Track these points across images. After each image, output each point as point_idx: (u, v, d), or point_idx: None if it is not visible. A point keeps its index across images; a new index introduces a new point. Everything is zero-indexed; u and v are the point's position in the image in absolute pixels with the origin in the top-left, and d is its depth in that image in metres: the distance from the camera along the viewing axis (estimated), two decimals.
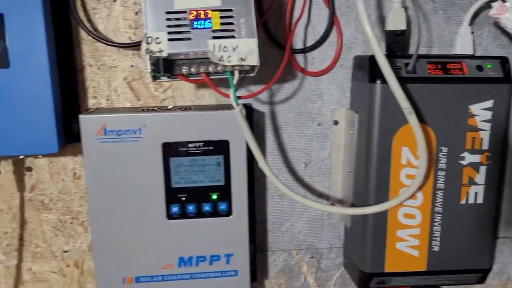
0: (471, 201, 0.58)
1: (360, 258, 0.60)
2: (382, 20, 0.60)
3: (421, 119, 0.54)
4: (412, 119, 0.50)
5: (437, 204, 0.57)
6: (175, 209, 0.56)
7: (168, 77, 0.48)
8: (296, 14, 0.59)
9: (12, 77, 0.50)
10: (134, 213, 0.55)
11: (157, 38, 0.45)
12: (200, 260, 0.57)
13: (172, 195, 0.55)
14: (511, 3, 0.56)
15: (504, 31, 0.61)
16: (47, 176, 0.60)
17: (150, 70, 0.47)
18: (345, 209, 0.56)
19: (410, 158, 0.56)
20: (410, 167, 0.56)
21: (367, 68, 0.56)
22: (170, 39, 0.46)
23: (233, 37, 0.46)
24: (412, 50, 0.61)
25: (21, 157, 0.55)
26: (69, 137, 0.58)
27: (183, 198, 0.56)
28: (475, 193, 0.58)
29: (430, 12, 0.61)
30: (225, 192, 0.56)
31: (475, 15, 0.61)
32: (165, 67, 0.46)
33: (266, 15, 0.57)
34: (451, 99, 0.55)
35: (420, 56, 0.56)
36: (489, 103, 0.56)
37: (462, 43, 0.60)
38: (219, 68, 0.48)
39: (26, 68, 0.50)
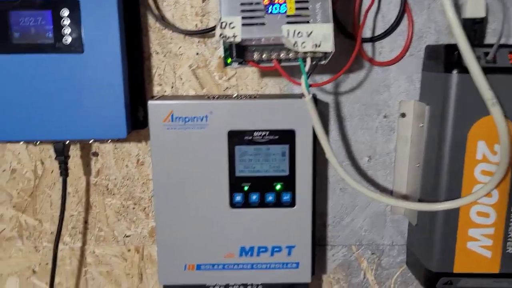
0: None
1: (427, 256, 0.57)
2: (457, 7, 0.57)
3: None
4: (496, 110, 0.47)
5: None
6: (238, 197, 0.55)
7: (239, 63, 0.47)
8: (366, 1, 0.57)
9: (85, 63, 0.51)
10: (198, 200, 0.55)
11: (231, 23, 0.44)
12: (262, 250, 0.57)
13: (236, 183, 0.55)
14: None
15: None
16: (112, 161, 0.61)
17: (222, 56, 0.47)
18: (418, 205, 0.53)
19: (487, 154, 0.53)
20: (486, 163, 0.53)
21: (442, 58, 0.53)
22: (244, 24, 0.45)
23: (308, 22, 0.45)
24: (488, 39, 0.58)
25: (90, 141, 0.56)
26: (134, 124, 0.59)
27: (247, 187, 0.55)
28: None
29: None
30: (289, 182, 0.55)
31: None
32: (237, 53, 0.46)
33: (337, 3, 0.55)
34: None
35: (501, 46, 0.53)
36: None
37: None
38: (290, 55, 0.47)
39: (99, 54, 0.51)
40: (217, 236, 0.56)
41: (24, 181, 0.62)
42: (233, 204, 0.55)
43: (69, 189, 0.62)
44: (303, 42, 0.45)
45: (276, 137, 0.54)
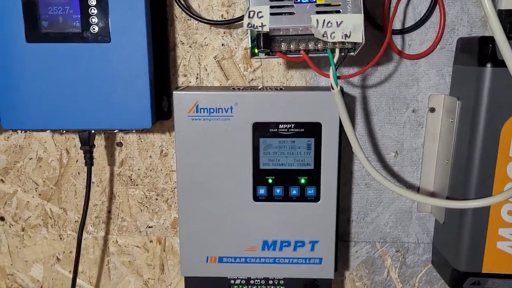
0: None
1: (455, 255, 0.55)
2: None
3: None
4: None
5: None
6: (262, 191, 0.55)
7: (266, 54, 0.47)
8: None
9: (112, 52, 0.51)
10: (221, 192, 0.55)
11: (259, 12, 0.44)
12: (284, 245, 0.56)
13: (259, 176, 0.54)
14: None
15: None
16: (135, 152, 0.61)
17: (249, 46, 0.46)
18: (448, 202, 0.52)
19: None
20: None
21: (476, 51, 0.51)
22: (272, 14, 0.44)
23: (338, 12, 0.44)
24: None
25: (115, 131, 0.56)
26: (158, 114, 0.58)
27: (271, 180, 0.54)
28: None
29: None
30: (314, 176, 0.54)
31: None
32: (265, 43, 0.45)
33: None
34: None
35: None
36: None
37: None
38: (319, 46, 0.46)
39: (126, 44, 0.51)
40: (240, 229, 0.56)
41: (50, 169, 0.62)
42: (256, 197, 0.55)
43: (93, 179, 0.62)
44: (333, 33, 0.44)
45: (302, 130, 0.53)
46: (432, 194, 0.60)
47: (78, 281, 0.66)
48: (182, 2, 0.56)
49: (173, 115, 0.59)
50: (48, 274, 0.66)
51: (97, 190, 0.63)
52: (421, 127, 0.60)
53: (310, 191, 0.54)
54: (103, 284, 0.66)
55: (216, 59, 0.58)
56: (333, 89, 0.47)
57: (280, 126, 0.53)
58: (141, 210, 0.63)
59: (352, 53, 0.47)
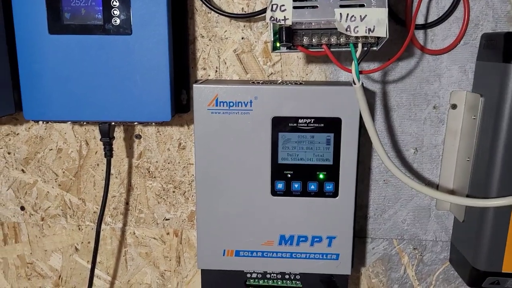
0: None
1: (474, 254, 0.55)
2: None
3: None
4: None
5: None
6: (280, 185, 0.54)
7: (288, 47, 0.46)
8: None
9: (133, 45, 0.51)
10: (239, 186, 0.55)
11: (282, 5, 0.43)
12: (302, 240, 0.56)
13: (278, 171, 0.54)
14: None
15: None
16: (154, 144, 0.62)
17: (271, 40, 0.46)
18: (470, 200, 0.51)
19: None
20: None
21: (501, 47, 0.50)
22: (295, 7, 0.44)
23: (362, 5, 0.43)
24: None
25: (135, 123, 0.56)
26: (177, 107, 0.59)
27: (289, 175, 0.54)
28: None
29: None
30: (332, 172, 0.54)
31: None
32: (287, 37, 0.45)
33: None
34: None
35: None
36: None
37: None
38: (341, 40, 0.46)
39: (147, 36, 0.51)
40: (257, 223, 0.56)
41: (69, 160, 0.63)
42: (274, 192, 0.55)
43: (111, 171, 0.63)
44: (356, 27, 0.43)
45: (321, 125, 0.53)
46: (452, 192, 0.59)
47: (96, 271, 0.66)
48: None
49: (192, 108, 0.59)
50: (66, 263, 0.67)
51: (116, 182, 0.63)
52: (442, 124, 0.59)
53: (329, 187, 0.54)
54: (120, 274, 0.67)
55: (236, 53, 0.58)
56: (354, 84, 0.47)
57: (300, 120, 0.53)
58: (159, 203, 0.64)
59: (374, 48, 0.47)
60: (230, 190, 0.55)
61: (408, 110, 0.59)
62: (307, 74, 0.59)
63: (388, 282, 0.65)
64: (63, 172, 0.63)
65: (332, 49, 0.47)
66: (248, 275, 0.58)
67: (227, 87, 0.52)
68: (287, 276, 0.58)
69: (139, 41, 0.51)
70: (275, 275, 0.58)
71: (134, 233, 0.65)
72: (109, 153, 0.57)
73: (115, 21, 0.51)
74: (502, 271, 0.54)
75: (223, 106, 0.52)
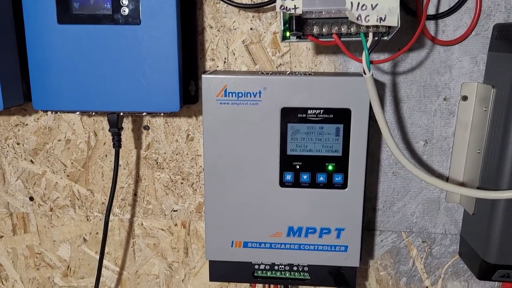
0: None
1: (484, 247, 0.54)
2: None
3: None
4: None
5: None
6: (288, 176, 0.54)
7: (298, 37, 0.46)
8: None
9: (141, 35, 0.51)
10: (248, 177, 0.54)
11: None
12: (310, 231, 0.56)
13: (286, 162, 0.54)
14: None
15: None
16: (162, 136, 0.62)
17: (281, 29, 0.45)
18: (481, 192, 0.50)
19: None
20: None
21: None
22: None
23: None
24: None
25: (143, 114, 0.56)
26: (185, 98, 0.58)
27: (298, 166, 0.54)
28: None
29: None
30: (341, 163, 0.53)
31: None
32: (297, 26, 0.44)
33: None
34: None
35: None
36: None
37: None
38: (352, 29, 0.45)
39: (155, 26, 0.51)
40: (266, 215, 0.55)
41: (78, 151, 0.63)
42: (283, 183, 0.54)
43: (120, 162, 0.63)
44: (367, 16, 0.43)
45: (331, 115, 0.52)
46: (462, 184, 0.59)
47: (104, 262, 0.67)
48: None
49: (200, 99, 0.59)
50: (75, 254, 0.67)
51: (124, 173, 0.63)
52: (452, 115, 0.58)
53: (338, 178, 0.54)
54: (128, 265, 0.67)
55: (244, 43, 0.58)
56: (365, 74, 0.46)
57: (309, 111, 0.52)
58: (167, 194, 0.64)
59: (385, 38, 0.46)
60: (238, 181, 0.55)
61: (418, 101, 0.58)
62: (316, 65, 0.58)
63: (397, 275, 0.65)
64: (72, 163, 0.63)
65: (342, 39, 0.47)
66: (256, 267, 0.58)
67: (236, 77, 0.52)
68: (295, 268, 0.58)
69: (148, 31, 0.51)
70: (283, 266, 0.58)
71: (142, 224, 0.65)
72: (117, 143, 0.57)
73: (124, 11, 0.50)
74: None
75: (232, 96, 0.52)
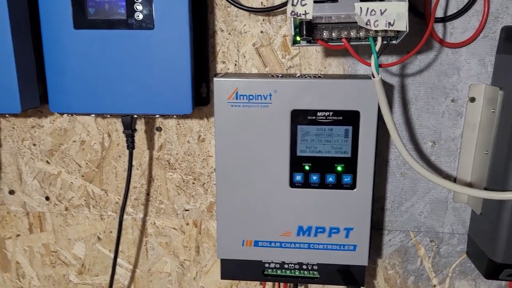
0: None
1: (491, 247, 0.55)
2: None
3: None
4: None
5: None
6: (298, 177, 0.55)
7: (308, 41, 0.47)
8: None
9: (155, 39, 0.52)
10: (258, 178, 0.56)
11: (303, 0, 0.44)
12: (319, 231, 0.57)
13: (296, 163, 0.55)
14: None
15: None
16: (174, 137, 0.63)
17: (292, 34, 0.46)
18: (488, 193, 0.51)
19: None
20: None
21: None
22: (316, 1, 0.44)
23: (381, 0, 0.44)
24: None
25: (157, 116, 0.57)
26: (197, 100, 0.60)
27: (307, 167, 0.55)
28: None
29: None
30: (350, 164, 0.54)
31: None
32: (307, 31, 0.45)
33: None
34: None
35: None
36: None
37: None
38: (361, 34, 0.46)
39: (169, 31, 0.52)
40: (276, 214, 0.57)
41: (92, 152, 0.65)
42: (292, 184, 0.56)
43: (133, 162, 0.64)
44: (376, 21, 0.44)
45: (340, 117, 0.53)
46: (470, 185, 0.60)
47: (118, 260, 0.68)
48: None
49: (211, 101, 0.60)
50: (89, 252, 0.69)
51: (137, 173, 0.65)
52: (460, 117, 0.59)
53: (346, 179, 0.55)
54: (141, 263, 0.69)
55: (255, 46, 0.59)
56: (374, 77, 0.47)
57: (318, 113, 0.53)
58: (179, 194, 0.65)
59: (394, 42, 0.47)
60: (249, 182, 0.56)
61: (426, 103, 0.59)
62: (325, 68, 0.59)
63: (405, 274, 0.66)
64: (86, 164, 0.65)
65: (351, 43, 0.48)
66: (266, 265, 0.59)
67: (247, 80, 0.53)
68: (304, 267, 0.59)
69: (161, 35, 0.52)
70: (293, 265, 0.59)
71: (155, 223, 0.67)
72: (131, 145, 0.59)
73: (138, 15, 0.52)
74: None
75: (243, 99, 0.53)
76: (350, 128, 0.53)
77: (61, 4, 0.52)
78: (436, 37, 0.56)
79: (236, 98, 0.54)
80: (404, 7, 0.44)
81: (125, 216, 0.67)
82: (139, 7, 0.52)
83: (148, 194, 0.66)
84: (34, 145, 0.65)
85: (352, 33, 0.46)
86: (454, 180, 0.61)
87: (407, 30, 0.44)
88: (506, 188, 0.52)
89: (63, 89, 0.55)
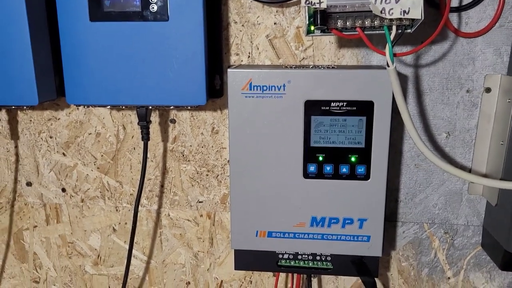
0: None
1: (507, 238, 0.55)
2: None
3: None
4: None
5: None
6: (312, 168, 0.55)
7: (322, 31, 0.47)
8: None
9: (169, 31, 0.53)
10: (272, 168, 0.56)
11: None
12: (333, 222, 0.57)
13: (310, 154, 0.55)
14: None
15: None
16: (188, 129, 0.64)
17: (306, 23, 0.46)
18: (505, 183, 0.51)
19: None
20: None
21: None
22: None
23: None
24: None
25: (171, 107, 0.58)
26: (211, 92, 0.60)
27: (321, 158, 0.55)
28: None
29: None
30: (364, 155, 0.54)
31: None
32: (322, 20, 0.45)
33: None
34: None
35: None
36: None
37: None
38: (375, 23, 0.46)
39: (183, 22, 0.52)
40: (289, 205, 0.57)
41: (107, 144, 0.65)
42: (306, 174, 0.56)
43: (148, 154, 0.65)
44: (391, 9, 0.44)
45: (354, 108, 0.53)
46: (485, 176, 0.59)
47: (133, 251, 0.69)
48: None
49: (225, 93, 0.60)
50: (105, 243, 0.70)
51: (151, 165, 0.66)
52: (475, 107, 0.59)
53: (360, 170, 0.55)
54: (156, 254, 0.70)
55: (268, 38, 0.59)
56: (388, 66, 0.47)
57: (332, 104, 0.53)
58: (192, 185, 0.66)
59: (409, 30, 0.47)
60: (263, 173, 0.56)
61: (441, 94, 0.59)
62: (338, 59, 0.59)
63: (419, 266, 0.65)
64: (102, 156, 0.66)
65: (365, 32, 0.47)
66: (280, 256, 0.59)
67: (261, 71, 0.53)
68: (318, 257, 0.59)
69: (176, 27, 0.53)
70: (306, 256, 0.59)
71: (169, 215, 0.68)
72: (146, 136, 0.59)
73: (153, 8, 0.52)
74: None
75: (257, 90, 0.54)
76: (364, 118, 0.53)
77: None
78: (451, 27, 0.56)
79: (250, 89, 0.54)
80: None
81: (139, 208, 0.67)
82: None
83: (162, 186, 0.66)
84: (51, 137, 0.66)
85: (366, 22, 0.46)
86: (469, 171, 0.61)
87: (422, 18, 0.44)
88: None
89: (80, 81, 0.55)
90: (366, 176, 0.55)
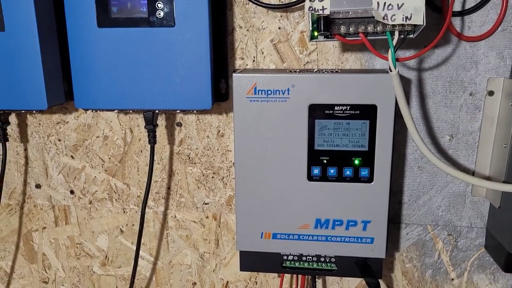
0: None
1: (510, 240, 0.55)
2: None
3: None
4: None
5: None
6: (316, 171, 0.56)
7: (326, 36, 0.48)
8: None
9: (176, 36, 0.54)
10: (277, 171, 0.57)
11: None
12: (337, 224, 0.58)
13: (314, 157, 0.56)
14: None
15: None
16: (194, 132, 0.65)
17: (309, 29, 0.47)
18: (508, 186, 0.51)
19: None
20: None
21: None
22: None
23: None
24: None
25: (177, 111, 0.59)
26: (216, 96, 0.61)
27: (325, 161, 0.56)
28: None
29: None
30: (368, 158, 0.55)
31: None
32: (325, 26, 0.46)
33: None
34: None
35: None
36: None
37: None
38: (378, 28, 0.47)
39: (189, 28, 0.53)
40: (294, 207, 0.58)
41: (115, 147, 0.66)
42: (310, 177, 0.56)
43: (155, 157, 0.66)
44: (393, 15, 0.44)
45: (357, 112, 0.54)
46: (488, 178, 0.60)
47: (140, 252, 0.70)
48: None
49: (230, 97, 0.61)
50: (112, 244, 0.71)
51: (158, 168, 0.67)
52: (478, 110, 0.59)
53: (364, 172, 0.56)
54: (162, 255, 0.71)
55: (273, 42, 0.60)
56: (391, 71, 0.48)
57: (336, 108, 0.54)
58: (198, 187, 0.67)
59: (411, 36, 0.48)
60: (268, 175, 0.57)
61: (444, 97, 0.59)
62: (342, 63, 0.60)
63: (422, 267, 0.66)
64: (109, 158, 0.67)
65: (368, 37, 0.48)
66: (285, 257, 0.60)
67: (265, 75, 0.54)
68: (322, 259, 0.60)
69: (182, 33, 0.54)
70: (310, 257, 0.60)
71: (175, 217, 0.69)
72: (153, 140, 0.60)
73: (159, 14, 0.53)
74: None
75: (262, 94, 0.54)
76: (367, 122, 0.54)
77: (86, 3, 0.54)
78: (453, 30, 0.57)
79: (255, 93, 0.55)
80: (421, 1, 0.44)
81: (146, 210, 0.68)
82: (160, 5, 0.53)
83: (169, 188, 0.67)
84: (59, 140, 0.67)
85: (369, 28, 0.47)
86: (473, 173, 0.61)
87: (424, 24, 0.45)
88: None
89: (88, 86, 0.56)
90: (370, 179, 0.56)
